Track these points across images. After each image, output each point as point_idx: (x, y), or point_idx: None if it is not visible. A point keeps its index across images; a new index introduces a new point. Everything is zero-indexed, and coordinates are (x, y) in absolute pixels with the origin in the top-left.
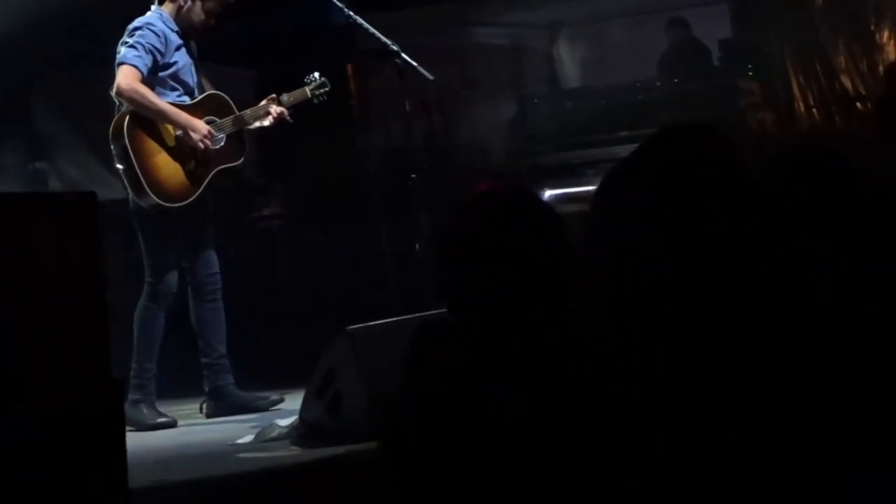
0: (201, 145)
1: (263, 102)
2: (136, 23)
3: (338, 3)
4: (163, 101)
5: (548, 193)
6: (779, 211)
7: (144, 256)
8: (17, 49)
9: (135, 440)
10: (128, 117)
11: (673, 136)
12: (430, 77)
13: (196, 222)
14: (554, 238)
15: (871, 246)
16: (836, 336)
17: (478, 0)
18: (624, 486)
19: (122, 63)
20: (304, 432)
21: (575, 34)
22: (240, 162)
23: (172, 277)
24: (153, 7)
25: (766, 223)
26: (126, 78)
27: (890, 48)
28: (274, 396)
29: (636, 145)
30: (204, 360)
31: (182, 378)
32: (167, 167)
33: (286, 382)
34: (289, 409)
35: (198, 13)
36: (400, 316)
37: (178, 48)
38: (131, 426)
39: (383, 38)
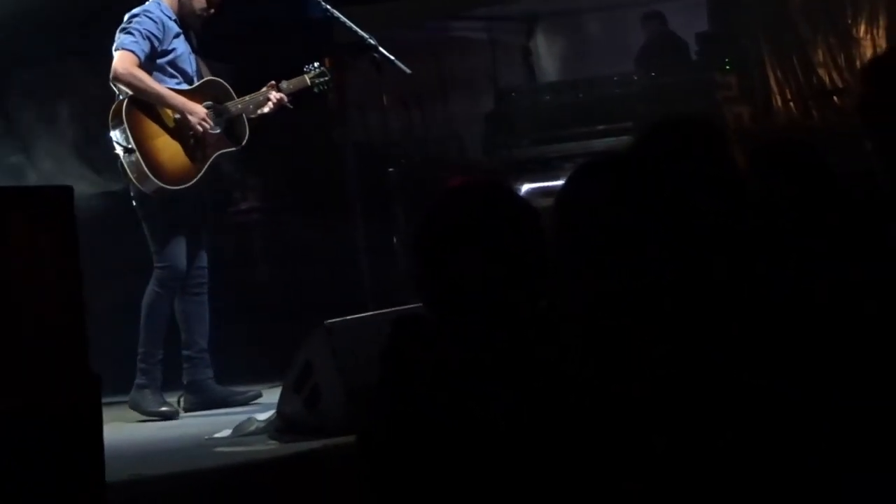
0: (199, 128)
1: (263, 89)
2: (134, 10)
3: None
4: (160, 85)
5: (525, 187)
6: (761, 205)
7: (151, 244)
8: None
9: (113, 434)
10: (126, 102)
11: (670, 129)
12: (408, 71)
13: (196, 210)
14: (530, 232)
15: (849, 240)
16: (833, 335)
17: None
18: (624, 486)
19: (118, 48)
20: (281, 426)
21: (552, 28)
22: (240, 146)
23: (180, 262)
24: None
25: (758, 218)
26: (123, 62)
27: (867, 42)
28: (252, 391)
29: (613, 139)
30: (185, 352)
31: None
32: (167, 151)
33: (263, 377)
34: (266, 404)
35: (198, 1)
36: (377, 310)
37: (176, 36)
38: (135, 410)
39: (360, 32)
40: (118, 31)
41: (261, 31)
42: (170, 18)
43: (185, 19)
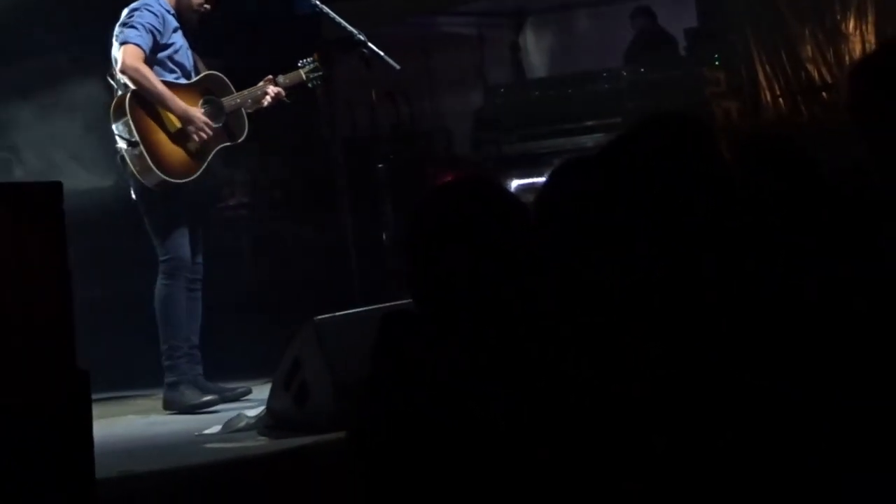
0: (196, 137)
1: (261, 84)
2: (134, 4)
3: None
4: (164, 87)
5: (514, 183)
6: (749, 202)
7: (154, 237)
8: None
9: (102, 430)
10: (129, 96)
11: (656, 125)
12: (396, 67)
13: (195, 204)
14: (520, 228)
15: (837, 237)
16: (823, 333)
17: None
18: (624, 486)
19: (124, 42)
20: (271, 423)
21: (540, 24)
22: (240, 140)
23: (185, 252)
24: None
25: (747, 215)
26: (130, 57)
27: (856, 38)
28: (241, 388)
29: (602, 135)
30: None
31: (149, 367)
32: (169, 145)
33: (252, 373)
34: (256, 400)
35: None
36: (366, 306)
37: (175, 30)
38: (173, 409)
39: (349, 28)
40: (119, 24)
41: (250, 28)
42: (168, 13)
43: (182, 14)
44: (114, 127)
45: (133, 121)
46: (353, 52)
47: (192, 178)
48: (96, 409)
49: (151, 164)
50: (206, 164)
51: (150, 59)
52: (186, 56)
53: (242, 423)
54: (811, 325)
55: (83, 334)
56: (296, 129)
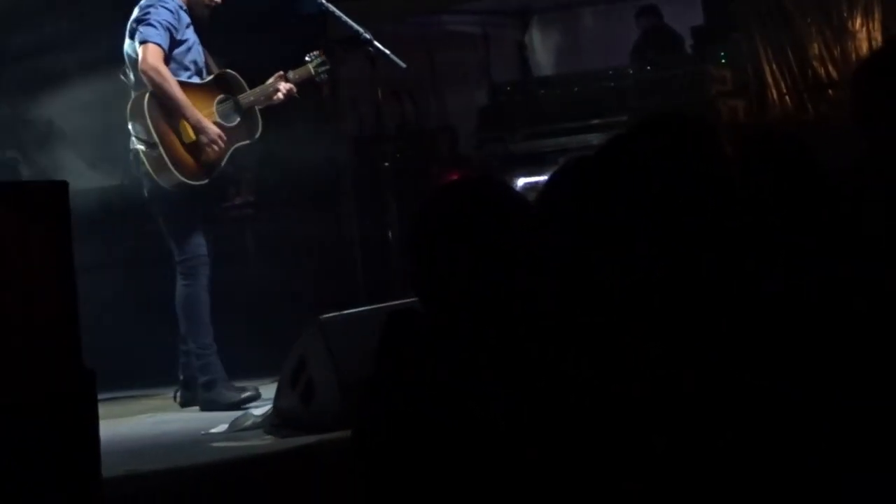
0: (209, 150)
1: (272, 80)
2: (148, 0)
3: None
4: (182, 94)
5: (519, 182)
6: (750, 201)
7: (170, 238)
8: None
9: (109, 429)
10: (147, 96)
11: (658, 125)
12: (402, 65)
13: (211, 202)
14: (524, 227)
15: (837, 236)
16: (826, 333)
17: None
18: (624, 486)
19: (144, 41)
20: (277, 421)
21: (546, 22)
22: (255, 138)
23: (202, 250)
24: None
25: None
26: (151, 56)
27: (862, 35)
28: (249, 392)
29: (608, 133)
30: (182, 347)
31: (155, 367)
32: (188, 145)
33: (259, 372)
34: (262, 399)
35: None
36: (371, 305)
37: (187, 26)
38: (213, 408)
39: (355, 26)
40: (135, 22)
41: (256, 26)
42: (181, 8)
43: (193, 9)
44: (130, 126)
45: (151, 122)
46: (358, 50)
47: (209, 179)
48: (102, 409)
49: (170, 166)
50: (222, 164)
51: (167, 57)
52: (198, 52)
53: (249, 422)
54: (811, 325)
55: (89, 333)
56: (301, 129)
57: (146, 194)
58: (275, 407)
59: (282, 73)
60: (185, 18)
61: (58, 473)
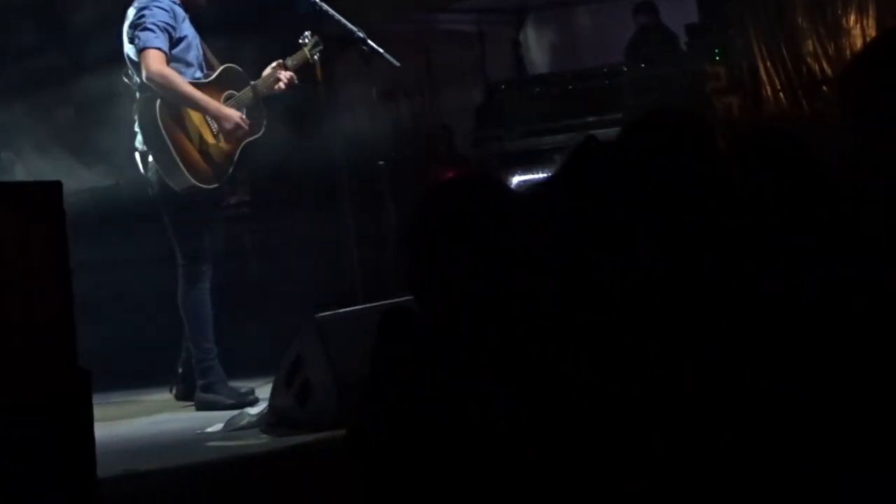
0: (240, 133)
1: (270, 70)
2: (141, 2)
3: None
4: (193, 89)
5: (515, 180)
6: (749, 201)
7: (175, 240)
8: None
9: (105, 429)
10: (158, 101)
11: (654, 122)
12: (397, 64)
13: (216, 203)
14: (520, 226)
15: (835, 235)
16: (826, 333)
17: None
18: (624, 486)
19: (145, 48)
20: (273, 420)
21: (541, 20)
22: (262, 132)
23: (206, 255)
24: None
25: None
26: (154, 63)
27: (857, 32)
28: (247, 395)
29: (603, 131)
30: (185, 342)
31: (151, 367)
32: (200, 148)
33: (255, 371)
34: (259, 399)
35: None
36: (368, 304)
37: (184, 20)
38: (210, 409)
39: (349, 25)
40: (131, 27)
41: (249, 24)
42: (175, 3)
43: (188, 2)
44: (139, 130)
45: (164, 128)
46: (353, 49)
47: (221, 181)
48: (98, 410)
49: (183, 170)
50: (233, 165)
51: (169, 58)
52: (197, 46)
53: (245, 422)
54: (811, 325)
55: (84, 333)
56: (297, 128)
57: (151, 194)
58: (271, 406)
59: (280, 61)
60: (181, 13)
61: (53, 473)
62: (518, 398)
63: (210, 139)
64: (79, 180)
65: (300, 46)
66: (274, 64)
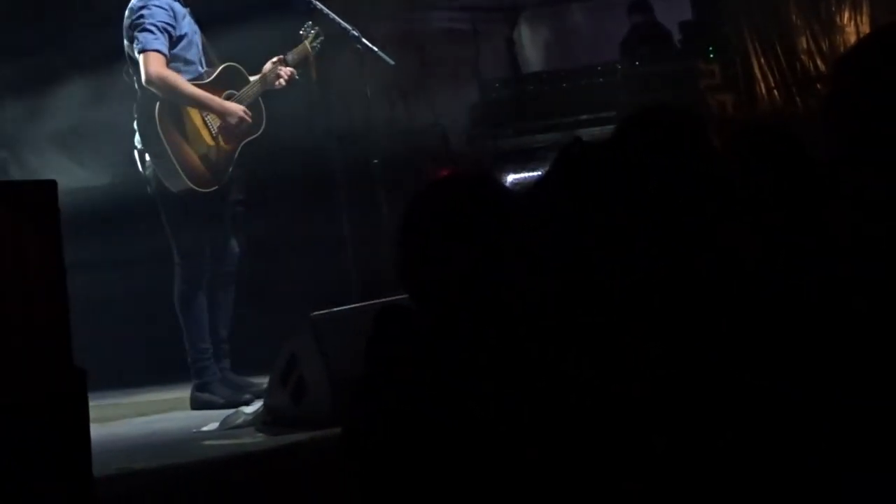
0: (244, 126)
1: (270, 66)
2: (139, 2)
3: None
4: (194, 88)
5: (509, 178)
6: (742, 194)
7: (172, 238)
8: None
9: (100, 428)
10: (157, 103)
11: (651, 119)
12: (391, 62)
13: (224, 200)
14: (515, 224)
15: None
16: (826, 333)
17: None
18: (624, 486)
19: (144, 50)
20: (268, 419)
21: (535, 18)
22: (260, 132)
23: (203, 255)
24: None
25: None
26: (153, 66)
27: (850, 29)
28: (244, 395)
29: (598, 129)
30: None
31: (146, 366)
32: (199, 150)
33: (250, 370)
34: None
35: None
36: (363, 302)
37: (183, 17)
38: (205, 409)
39: (343, 24)
40: (130, 28)
41: (243, 22)
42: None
43: None
44: (138, 130)
45: (162, 130)
46: (347, 48)
47: (219, 183)
48: (94, 409)
49: (181, 173)
50: (232, 166)
51: (170, 58)
52: (197, 43)
53: (240, 420)
54: (811, 324)
55: (80, 333)
56: (290, 126)
57: (149, 192)
58: (266, 405)
59: (280, 56)
60: (180, 10)
61: (49, 472)
62: (516, 398)
63: (209, 141)
64: (73, 180)
65: (300, 39)
66: (274, 59)
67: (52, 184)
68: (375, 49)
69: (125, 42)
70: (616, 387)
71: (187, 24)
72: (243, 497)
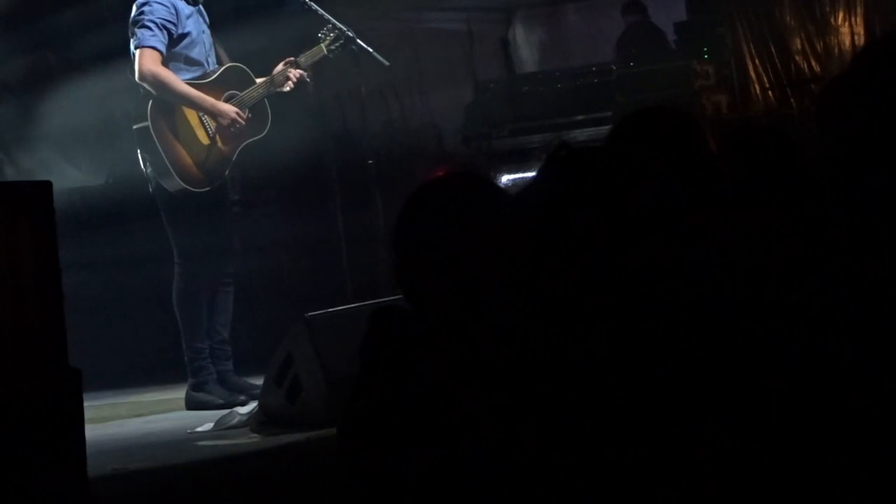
0: (234, 130)
1: (280, 68)
2: None
3: None
4: (187, 87)
5: (503, 178)
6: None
7: (171, 238)
8: None
9: (95, 429)
10: (151, 102)
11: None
12: (386, 63)
13: (222, 200)
14: (509, 223)
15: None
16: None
17: None
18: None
19: (139, 46)
20: (263, 419)
21: (530, 18)
22: (264, 133)
23: (202, 254)
24: None
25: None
26: (146, 62)
27: (845, 30)
28: (239, 396)
29: (592, 129)
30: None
31: (141, 366)
32: (193, 151)
33: (245, 370)
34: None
35: None
36: (358, 302)
37: (188, 17)
38: (199, 409)
39: (338, 25)
40: (131, 23)
41: (239, 23)
42: None
43: None
44: (135, 131)
45: (154, 128)
46: (342, 48)
47: (214, 184)
48: (89, 408)
49: (173, 173)
50: (229, 167)
51: (168, 56)
52: (203, 43)
53: (235, 421)
54: (811, 324)
55: (75, 333)
56: (286, 127)
57: (151, 191)
58: (261, 405)
59: (291, 58)
60: (185, 10)
61: (44, 471)
62: (507, 398)
63: (205, 141)
64: (68, 180)
65: (317, 42)
66: (285, 61)
67: (47, 184)
68: (370, 50)
69: (133, 46)
70: (608, 388)
71: (192, 24)
72: (238, 497)
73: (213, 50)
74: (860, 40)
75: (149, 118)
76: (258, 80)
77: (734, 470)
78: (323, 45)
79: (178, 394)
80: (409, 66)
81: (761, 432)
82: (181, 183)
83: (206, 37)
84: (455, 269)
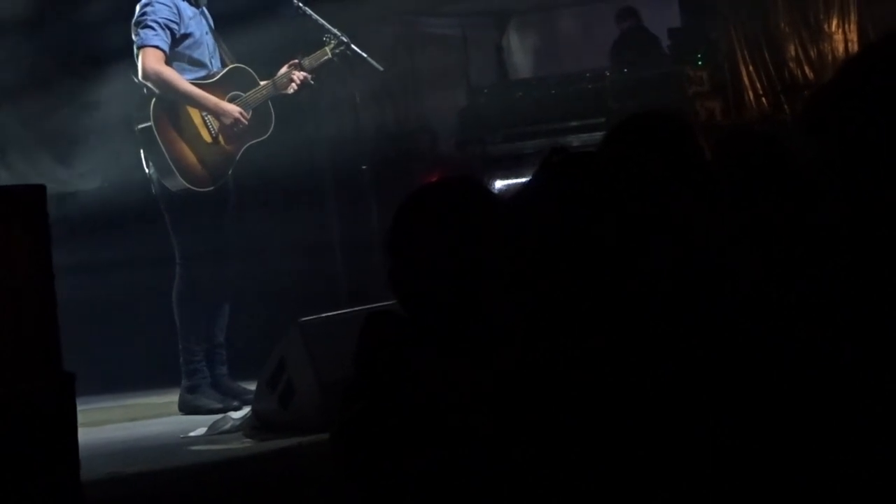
0: (236, 130)
1: (284, 70)
2: None
3: None
4: (190, 85)
5: (498, 183)
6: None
7: (174, 239)
8: None
9: (89, 433)
10: (154, 101)
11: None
12: (380, 68)
13: (222, 202)
14: (503, 229)
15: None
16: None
17: None
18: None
19: (142, 46)
20: (257, 424)
21: (524, 24)
22: (268, 134)
23: (203, 256)
24: None
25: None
26: (149, 61)
27: (838, 36)
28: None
29: (586, 135)
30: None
31: (135, 370)
32: (196, 150)
33: (238, 374)
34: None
35: None
36: (352, 307)
37: (191, 17)
38: (192, 413)
39: (332, 30)
40: (134, 24)
41: (232, 28)
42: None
43: None
44: (137, 131)
45: (157, 128)
46: (336, 53)
47: (217, 184)
48: (83, 412)
49: (176, 172)
50: (232, 167)
51: (171, 56)
52: (207, 44)
53: (228, 425)
54: (811, 324)
55: (69, 337)
56: (281, 131)
57: (153, 192)
58: (254, 409)
59: (295, 61)
60: (187, 10)
61: (37, 475)
62: (501, 404)
63: (208, 139)
64: (62, 184)
65: (322, 45)
66: (288, 64)
67: (41, 188)
68: (365, 55)
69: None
70: (611, 386)
71: (195, 25)
72: (231, 502)
73: (217, 52)
74: (854, 47)
75: (152, 117)
76: (262, 83)
77: (734, 470)
78: (327, 49)
79: (172, 398)
80: (403, 71)
81: (761, 432)
82: (184, 182)
83: (210, 38)
84: (449, 273)
